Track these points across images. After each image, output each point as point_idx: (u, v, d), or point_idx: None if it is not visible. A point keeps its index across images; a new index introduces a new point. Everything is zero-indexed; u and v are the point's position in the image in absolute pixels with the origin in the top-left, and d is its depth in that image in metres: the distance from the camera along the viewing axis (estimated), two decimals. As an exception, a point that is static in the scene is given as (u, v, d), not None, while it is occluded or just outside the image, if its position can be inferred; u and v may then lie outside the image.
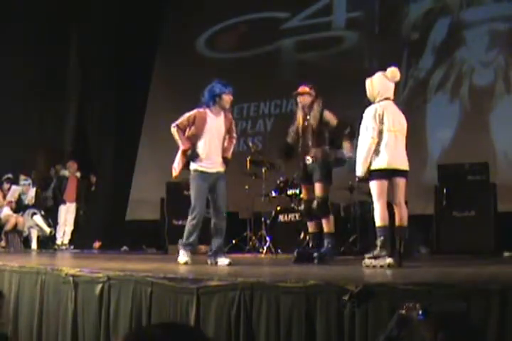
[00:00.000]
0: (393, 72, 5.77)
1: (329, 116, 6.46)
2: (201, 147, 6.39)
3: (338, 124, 6.43)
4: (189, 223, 6.37)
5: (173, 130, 6.53)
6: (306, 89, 6.54)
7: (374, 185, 5.60)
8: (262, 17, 11.82)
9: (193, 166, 6.40)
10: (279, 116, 11.06)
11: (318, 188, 6.39)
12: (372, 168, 5.59)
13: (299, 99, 6.59)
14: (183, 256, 6.40)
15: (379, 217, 5.53)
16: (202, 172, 6.35)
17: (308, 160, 6.45)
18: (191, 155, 6.40)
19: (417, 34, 10.23)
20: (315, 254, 6.27)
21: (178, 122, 6.51)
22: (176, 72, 12.50)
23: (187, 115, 6.52)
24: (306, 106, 6.52)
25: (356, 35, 10.86)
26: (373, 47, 10.50)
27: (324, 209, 6.38)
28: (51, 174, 12.07)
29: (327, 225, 6.41)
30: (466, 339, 2.31)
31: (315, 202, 6.38)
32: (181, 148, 6.45)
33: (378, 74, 5.77)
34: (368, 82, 5.78)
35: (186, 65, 12.34)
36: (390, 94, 5.76)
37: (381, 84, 5.71)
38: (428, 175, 9.24)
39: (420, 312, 2.37)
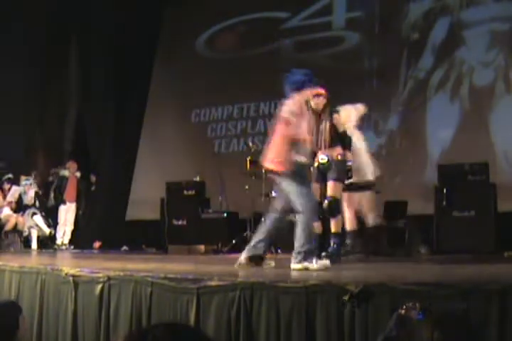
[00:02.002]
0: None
1: (337, 119, 6.45)
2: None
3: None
4: (305, 225, 5.38)
5: (290, 116, 5.54)
6: (323, 91, 6.49)
7: None
8: (262, 17, 11.81)
9: (295, 158, 5.50)
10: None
11: (331, 187, 6.31)
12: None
13: (319, 100, 6.41)
14: (321, 262, 5.41)
15: None
16: (303, 165, 5.61)
17: (323, 159, 6.24)
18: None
19: (417, 34, 10.22)
20: (323, 254, 6.25)
21: (294, 109, 5.55)
22: (176, 72, 12.51)
23: (297, 100, 5.61)
24: (321, 107, 6.44)
25: (356, 35, 10.85)
26: (373, 47, 10.50)
27: (335, 209, 6.32)
28: (51, 174, 12.07)
29: (335, 225, 6.37)
30: (464, 339, 2.31)
31: (326, 202, 6.27)
32: (291, 137, 5.50)
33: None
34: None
35: (186, 65, 12.35)
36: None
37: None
38: (428, 175, 9.25)
39: (419, 312, 2.37)
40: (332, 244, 6.34)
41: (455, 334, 2.25)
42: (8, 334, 3.22)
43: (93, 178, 12.09)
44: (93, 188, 12.08)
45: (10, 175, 11.51)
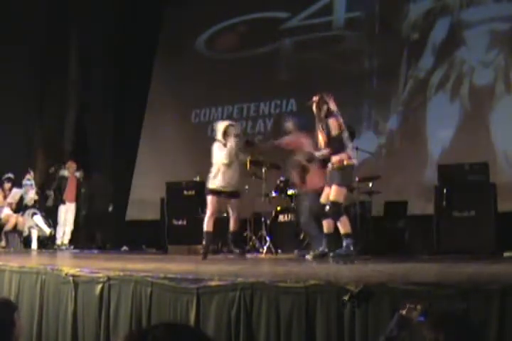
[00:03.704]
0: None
1: (332, 124, 6.44)
2: None
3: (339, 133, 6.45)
4: None
5: None
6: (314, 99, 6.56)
7: None
8: (262, 17, 11.81)
9: None
10: (279, 116, 11.05)
11: (333, 192, 6.41)
12: None
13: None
14: None
15: None
16: None
17: (329, 166, 6.55)
18: None
19: (417, 34, 10.22)
20: (331, 254, 6.35)
21: None
22: (175, 72, 12.50)
23: None
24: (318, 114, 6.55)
25: (356, 35, 10.85)
26: (373, 47, 10.50)
27: (336, 212, 6.39)
28: (51, 174, 12.06)
29: (343, 227, 6.39)
30: (464, 339, 2.31)
31: (327, 206, 6.44)
32: None
33: None
34: None
35: (186, 64, 12.34)
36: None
37: None
38: (428, 175, 9.24)
39: (421, 313, 2.37)
40: (344, 245, 6.34)
41: (456, 334, 2.25)
42: (5, 332, 3.21)
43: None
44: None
45: (10, 175, 11.49)
